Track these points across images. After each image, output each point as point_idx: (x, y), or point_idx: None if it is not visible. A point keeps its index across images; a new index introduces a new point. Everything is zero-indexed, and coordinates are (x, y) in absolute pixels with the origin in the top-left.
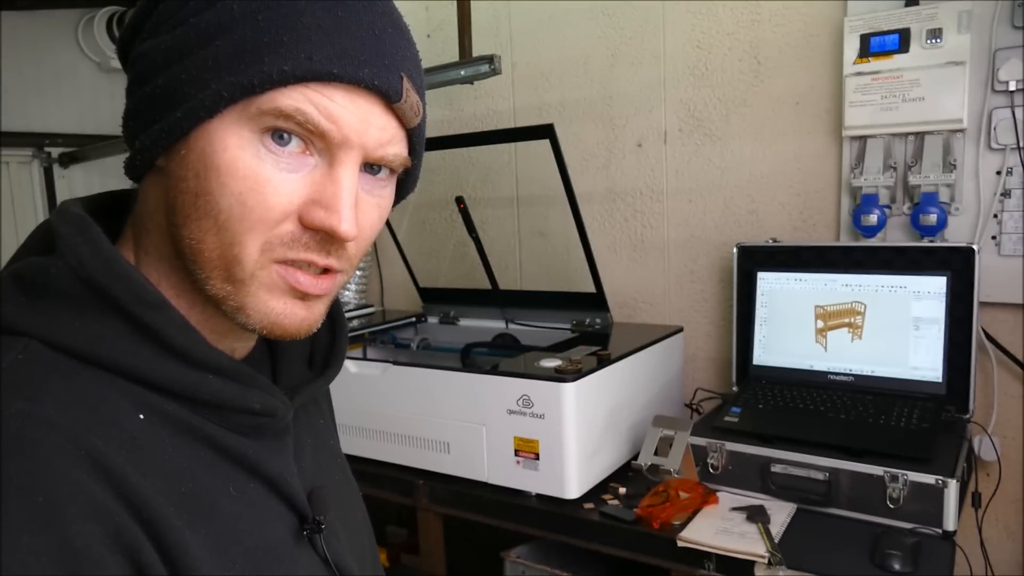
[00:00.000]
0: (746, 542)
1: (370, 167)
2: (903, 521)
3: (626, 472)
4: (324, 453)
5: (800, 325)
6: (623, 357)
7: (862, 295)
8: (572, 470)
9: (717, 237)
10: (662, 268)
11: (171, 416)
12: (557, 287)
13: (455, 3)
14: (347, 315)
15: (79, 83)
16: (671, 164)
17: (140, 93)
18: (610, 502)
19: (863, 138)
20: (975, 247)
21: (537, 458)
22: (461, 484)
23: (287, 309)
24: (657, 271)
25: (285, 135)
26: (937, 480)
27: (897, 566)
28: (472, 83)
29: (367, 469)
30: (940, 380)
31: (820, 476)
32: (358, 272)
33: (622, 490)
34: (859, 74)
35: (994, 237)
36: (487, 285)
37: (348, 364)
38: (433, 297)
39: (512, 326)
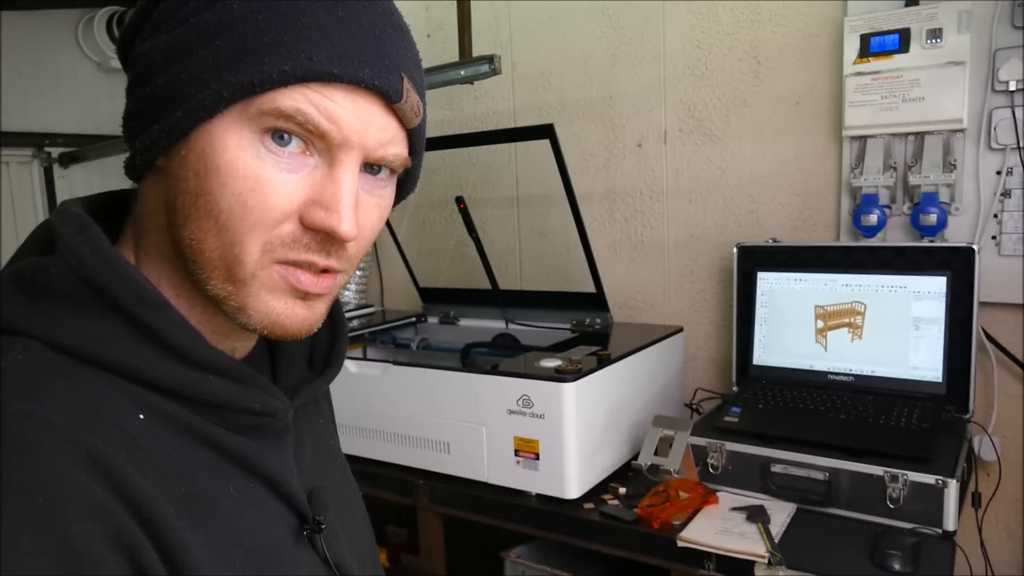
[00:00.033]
0: (746, 542)
1: (370, 167)
2: (903, 521)
3: (626, 472)
4: (324, 453)
5: (800, 325)
6: (623, 357)
7: (862, 295)
8: (572, 470)
9: (717, 237)
10: (662, 268)
11: (171, 416)
12: (557, 287)
13: (455, 3)
14: (347, 315)
15: (79, 83)
16: (671, 164)
17: (140, 93)
18: (610, 502)
19: (863, 138)
20: (975, 247)
21: (537, 458)
22: (461, 484)
23: (288, 309)
24: (657, 271)
25: (285, 135)
26: (937, 480)
27: (897, 566)
28: (472, 83)
29: (367, 469)
30: (940, 380)
31: (820, 476)
32: (358, 272)
33: (622, 490)
34: (859, 74)
35: (994, 237)
36: (487, 285)
37: (348, 364)
38: (433, 297)
39: (512, 326)
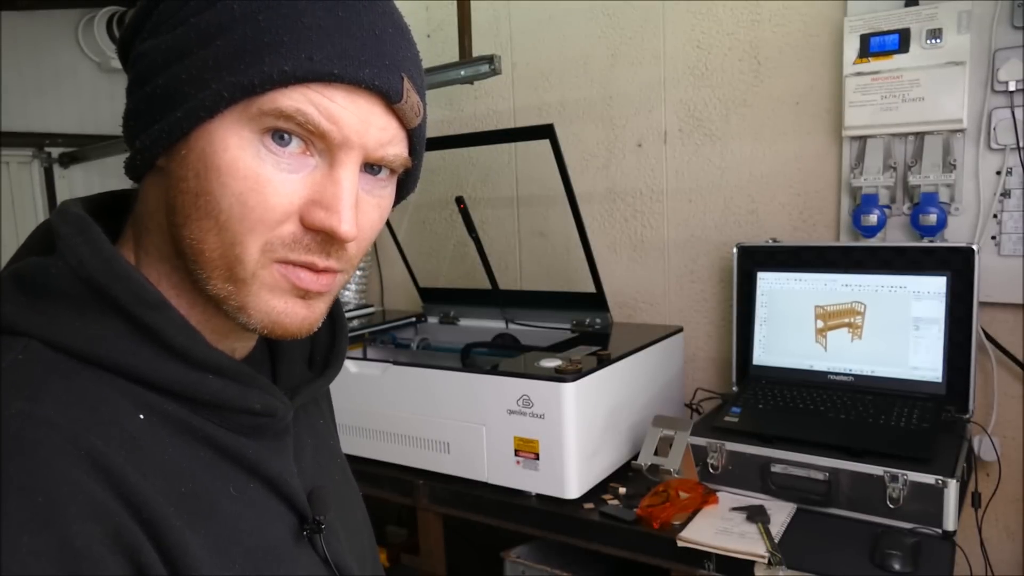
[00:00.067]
0: (746, 542)
1: (370, 167)
2: (903, 521)
3: (626, 472)
4: (324, 453)
5: (800, 325)
6: (623, 357)
7: (862, 295)
8: (572, 470)
9: (717, 237)
10: (662, 268)
11: (171, 416)
12: (557, 287)
13: (455, 3)
14: (347, 315)
15: (79, 83)
16: (671, 164)
17: (140, 93)
18: (610, 502)
19: (863, 138)
20: (975, 247)
21: (537, 458)
22: (461, 484)
23: (288, 308)
24: (657, 271)
25: (285, 135)
26: (937, 480)
27: (897, 566)
28: (472, 83)
29: (367, 469)
30: (940, 380)
31: (820, 476)
32: (358, 272)
33: (622, 490)
34: (859, 74)
35: (994, 237)
36: (487, 285)
37: (348, 364)
38: (433, 297)
39: (512, 326)
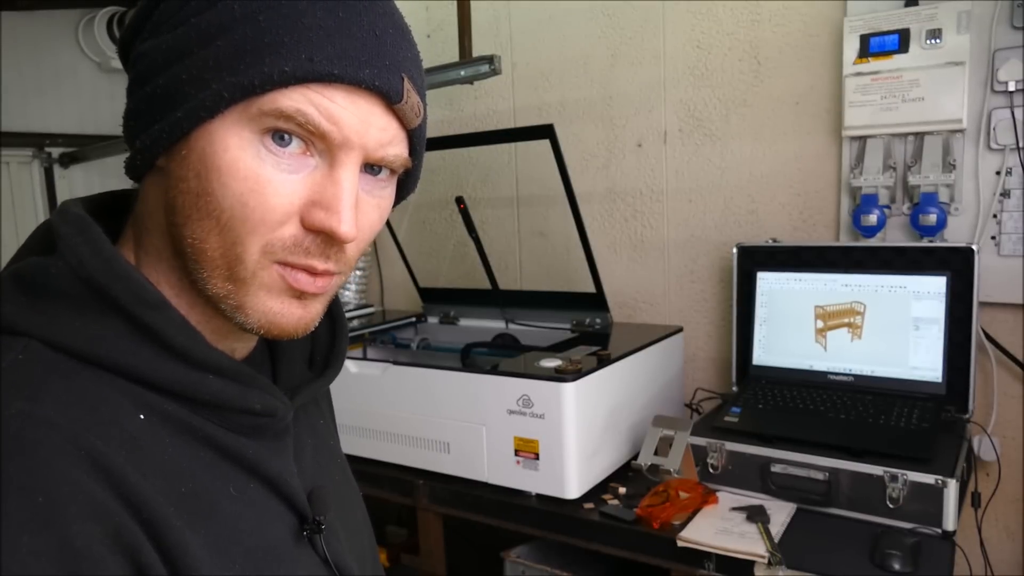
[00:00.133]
0: (746, 542)
1: (371, 168)
2: (903, 521)
3: (626, 472)
4: (324, 453)
5: (800, 325)
6: (623, 357)
7: (862, 295)
8: (572, 470)
9: (717, 237)
10: (662, 268)
11: (171, 416)
12: (557, 287)
13: (455, 3)
14: (347, 315)
15: (79, 83)
16: (671, 164)
17: (141, 93)
18: (610, 502)
19: (863, 138)
20: (975, 247)
21: (537, 458)
22: (461, 484)
23: (284, 308)
24: (657, 271)
25: (286, 136)
26: (937, 480)
27: (897, 566)
28: (472, 83)
29: (367, 469)
30: (940, 380)
31: (820, 476)
32: (358, 272)
33: (622, 490)
34: (859, 74)
35: (994, 237)
36: (487, 285)
37: (348, 364)
38: (433, 297)
39: (512, 326)
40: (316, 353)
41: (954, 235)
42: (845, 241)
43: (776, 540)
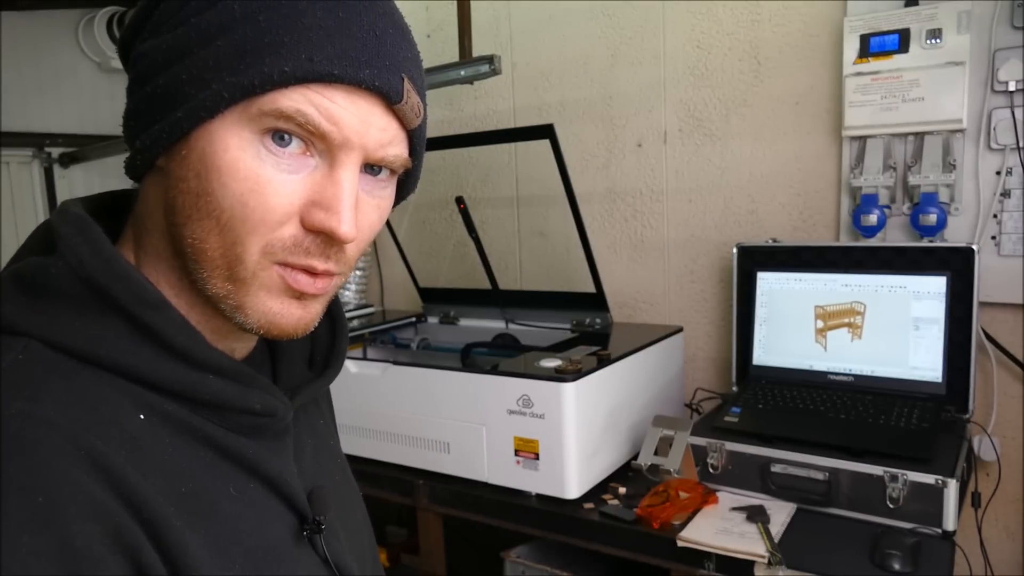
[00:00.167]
0: (746, 542)
1: (371, 168)
2: (903, 521)
3: (626, 472)
4: (324, 453)
5: (800, 325)
6: (623, 357)
7: (862, 295)
8: (572, 470)
9: (717, 237)
10: (662, 268)
11: (171, 416)
12: (557, 287)
13: (455, 3)
14: (347, 315)
15: (79, 83)
16: (671, 164)
17: (141, 93)
18: (610, 502)
19: (863, 138)
20: (975, 247)
21: (537, 458)
22: (461, 484)
23: (284, 309)
24: (657, 271)
25: (286, 136)
26: (937, 480)
27: (897, 566)
28: (472, 83)
29: (367, 469)
30: (940, 380)
31: (820, 476)
32: (358, 272)
33: (622, 490)
34: (859, 74)
35: (994, 237)
36: (487, 285)
37: (348, 364)
38: (433, 297)
39: (512, 326)
40: (316, 353)
41: (954, 235)
42: (845, 241)
43: (776, 540)
